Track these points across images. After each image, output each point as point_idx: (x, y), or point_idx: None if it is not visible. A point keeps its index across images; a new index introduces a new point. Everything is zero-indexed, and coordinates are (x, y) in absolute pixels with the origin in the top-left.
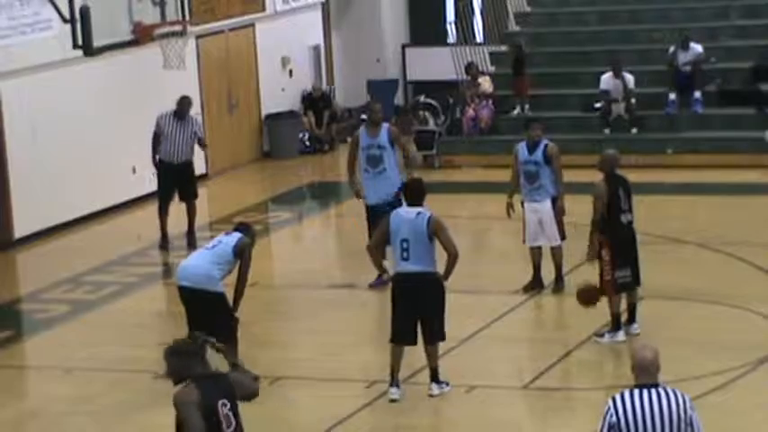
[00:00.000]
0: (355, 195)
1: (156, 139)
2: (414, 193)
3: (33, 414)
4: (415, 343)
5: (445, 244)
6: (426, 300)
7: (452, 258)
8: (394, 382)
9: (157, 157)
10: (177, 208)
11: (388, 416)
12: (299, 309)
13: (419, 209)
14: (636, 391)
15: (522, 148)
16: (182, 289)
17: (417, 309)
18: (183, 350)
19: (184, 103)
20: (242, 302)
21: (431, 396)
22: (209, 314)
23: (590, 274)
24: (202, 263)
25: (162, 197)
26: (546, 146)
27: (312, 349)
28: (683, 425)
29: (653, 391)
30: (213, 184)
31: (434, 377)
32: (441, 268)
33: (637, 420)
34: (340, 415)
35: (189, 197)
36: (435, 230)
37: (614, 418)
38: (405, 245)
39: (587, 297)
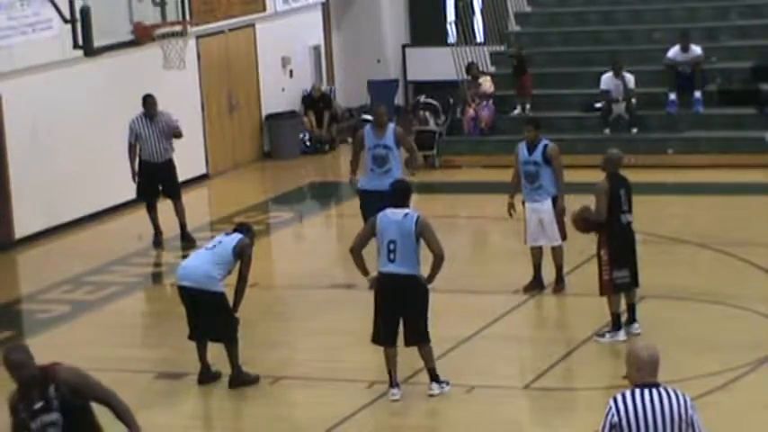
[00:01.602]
0: (353, 187)
1: (132, 148)
2: (399, 194)
3: None
4: (395, 344)
5: (432, 245)
6: (410, 302)
7: (438, 260)
8: (393, 383)
9: (136, 165)
10: (169, 210)
11: (388, 416)
12: (300, 309)
13: (406, 210)
14: (637, 391)
15: (522, 148)
16: (182, 289)
17: (400, 311)
18: (27, 359)
19: (148, 102)
20: (242, 303)
21: (431, 396)
22: (210, 314)
23: (591, 274)
24: (202, 263)
25: (148, 198)
26: (546, 146)
27: (312, 349)
28: (683, 425)
29: (653, 391)
30: (214, 184)
31: (433, 377)
32: (427, 270)
33: (638, 420)
34: (340, 415)
35: (174, 196)
36: (423, 231)
37: (615, 418)
38: (392, 246)
39: (584, 224)
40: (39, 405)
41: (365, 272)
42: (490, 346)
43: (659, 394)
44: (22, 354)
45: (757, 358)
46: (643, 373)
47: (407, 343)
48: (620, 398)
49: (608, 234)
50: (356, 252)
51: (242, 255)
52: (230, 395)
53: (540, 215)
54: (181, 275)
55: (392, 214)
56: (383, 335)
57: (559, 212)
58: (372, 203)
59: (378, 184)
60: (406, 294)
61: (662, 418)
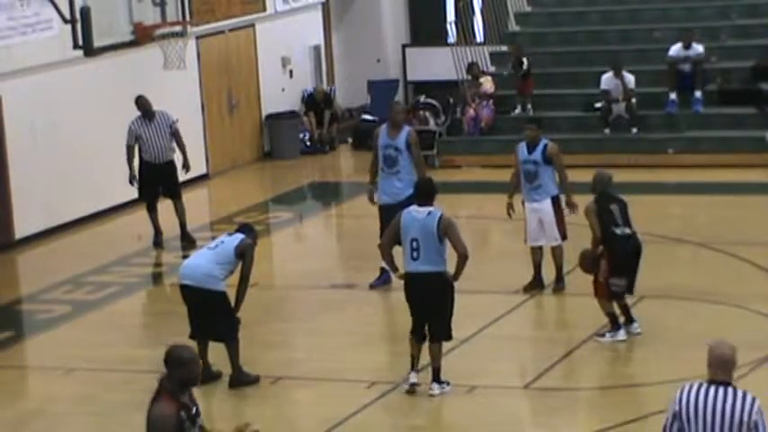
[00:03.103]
0: (369, 199)
1: (131, 150)
2: (424, 192)
3: (34, 414)
4: (424, 341)
5: (455, 244)
6: (434, 299)
7: (462, 258)
8: (414, 367)
9: (135, 167)
10: (169, 210)
11: (388, 416)
12: (300, 309)
13: (430, 208)
14: (705, 385)
15: (521, 147)
16: (183, 288)
17: (425, 308)
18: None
19: (141, 102)
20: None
21: (431, 396)
22: (211, 313)
23: (590, 275)
24: (204, 262)
25: (149, 198)
26: (546, 145)
27: (312, 349)
28: (744, 428)
29: (721, 388)
30: (214, 184)
31: (436, 377)
32: (452, 268)
33: (698, 413)
34: (340, 415)
35: (174, 196)
36: (446, 230)
37: (677, 407)
38: (415, 244)
39: (590, 263)
40: (195, 409)
41: (394, 268)
42: (490, 345)
43: (725, 393)
44: (191, 349)
45: (757, 358)
46: (712, 370)
47: (432, 339)
48: (686, 388)
49: (608, 249)
50: (384, 248)
51: (243, 255)
52: (230, 395)
53: (540, 215)
54: (182, 274)
55: (416, 212)
56: (415, 330)
57: (571, 208)
58: (391, 217)
59: (388, 187)
60: (430, 291)
61: (721, 416)
